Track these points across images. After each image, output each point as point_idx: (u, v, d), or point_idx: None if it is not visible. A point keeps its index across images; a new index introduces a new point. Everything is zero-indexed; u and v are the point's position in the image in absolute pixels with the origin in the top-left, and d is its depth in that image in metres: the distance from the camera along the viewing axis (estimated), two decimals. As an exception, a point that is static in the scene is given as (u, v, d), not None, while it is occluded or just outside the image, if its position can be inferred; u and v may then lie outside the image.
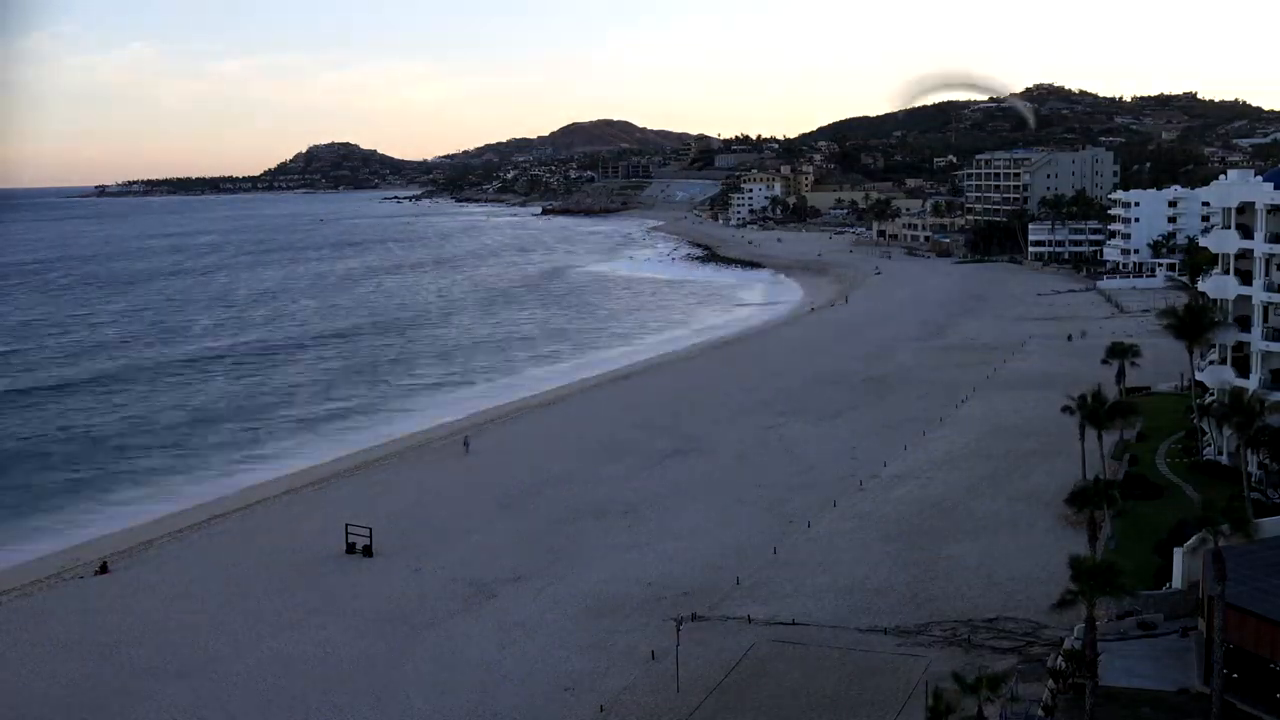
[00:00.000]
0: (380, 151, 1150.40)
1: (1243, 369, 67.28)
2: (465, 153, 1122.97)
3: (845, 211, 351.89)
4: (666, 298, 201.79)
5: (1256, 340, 65.95)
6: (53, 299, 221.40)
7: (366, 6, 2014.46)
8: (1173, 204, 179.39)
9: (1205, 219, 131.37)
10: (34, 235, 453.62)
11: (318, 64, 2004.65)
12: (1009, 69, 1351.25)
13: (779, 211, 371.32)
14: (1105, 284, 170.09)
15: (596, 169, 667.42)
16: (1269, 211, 64.88)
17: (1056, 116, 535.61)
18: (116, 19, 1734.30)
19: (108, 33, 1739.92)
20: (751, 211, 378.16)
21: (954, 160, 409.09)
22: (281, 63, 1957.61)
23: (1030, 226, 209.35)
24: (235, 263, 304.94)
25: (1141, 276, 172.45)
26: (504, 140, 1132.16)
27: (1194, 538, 45.02)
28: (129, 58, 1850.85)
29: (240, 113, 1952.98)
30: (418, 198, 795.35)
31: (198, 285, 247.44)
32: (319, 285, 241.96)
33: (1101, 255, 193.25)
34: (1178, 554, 46.01)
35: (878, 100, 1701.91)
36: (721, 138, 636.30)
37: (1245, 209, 67.12)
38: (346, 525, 65.36)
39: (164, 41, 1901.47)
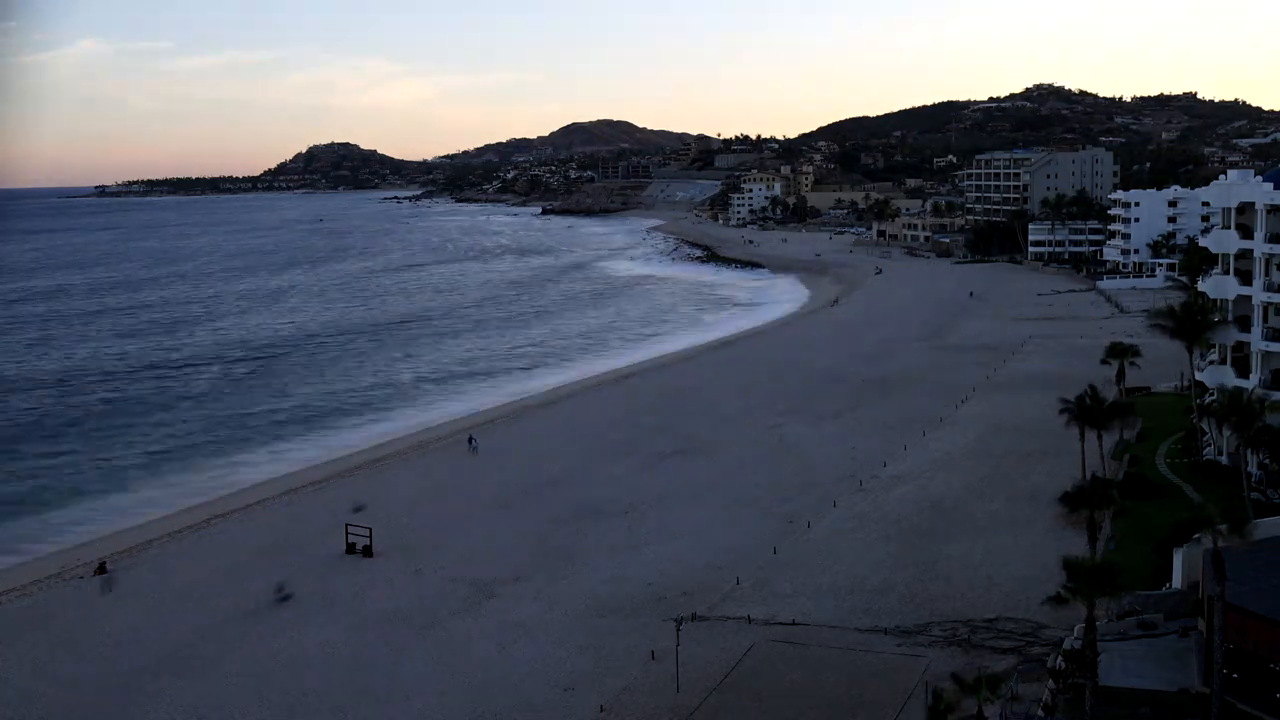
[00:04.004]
0: (380, 152, 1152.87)
1: (1243, 369, 67.25)
2: (465, 153, 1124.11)
3: (845, 212, 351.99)
4: (666, 298, 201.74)
5: (1256, 340, 65.91)
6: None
7: (365, 6, 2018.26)
8: (1173, 204, 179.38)
9: (1205, 219, 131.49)
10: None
11: (310, 64, 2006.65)
12: (1009, 69, 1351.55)
13: (779, 211, 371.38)
14: (1105, 284, 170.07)
15: (596, 169, 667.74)
16: (1269, 211, 64.86)
17: (1056, 116, 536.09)
18: (60, 16, 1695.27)
19: (53, 31, 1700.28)
20: (751, 211, 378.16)
21: (954, 160, 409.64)
22: (255, 61, 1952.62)
23: (1030, 226, 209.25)
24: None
25: (1141, 276, 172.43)
26: (504, 140, 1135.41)
27: (1193, 538, 44.99)
28: (82, 55, 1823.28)
29: (236, 113, 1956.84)
30: (417, 198, 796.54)
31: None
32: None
33: (1101, 255, 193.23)
34: (1177, 554, 45.95)
35: (878, 100, 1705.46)
36: (721, 138, 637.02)
37: (1245, 209, 67.09)
38: (346, 525, 65.39)
39: (117, 39, 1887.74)
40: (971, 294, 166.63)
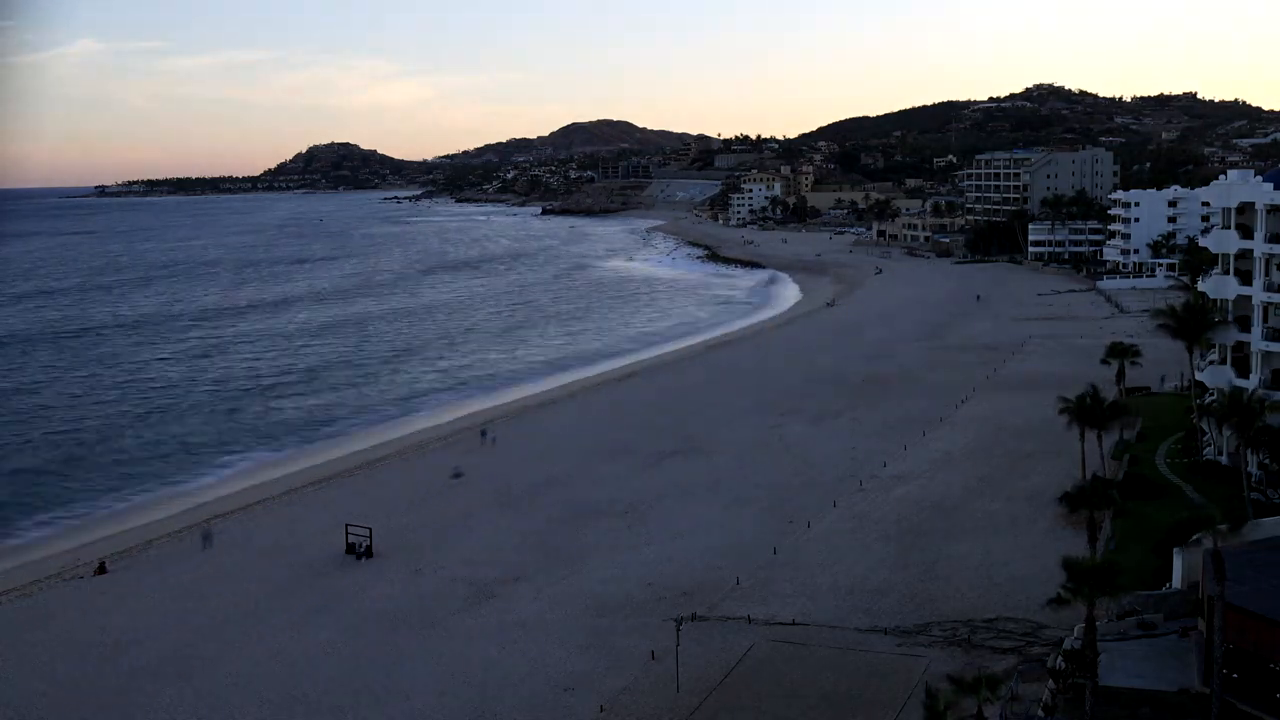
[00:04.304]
0: (380, 152, 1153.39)
1: (1243, 369, 67.23)
2: (465, 153, 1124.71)
3: (845, 212, 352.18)
4: (666, 297, 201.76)
5: (1256, 340, 65.90)
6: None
7: (365, 6, 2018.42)
8: (1173, 204, 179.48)
9: (1205, 219, 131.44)
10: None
11: (309, 64, 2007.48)
12: (1009, 69, 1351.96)
13: (779, 212, 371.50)
14: (1105, 284, 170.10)
15: (596, 169, 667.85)
16: (1269, 211, 64.86)
17: (1056, 116, 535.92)
18: (59, 16, 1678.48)
19: (51, 30, 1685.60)
20: (751, 212, 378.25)
21: (954, 160, 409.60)
22: (254, 61, 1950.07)
23: (1030, 226, 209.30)
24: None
25: (1141, 276, 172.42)
26: (504, 140, 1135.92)
27: (1193, 538, 45.00)
28: (80, 55, 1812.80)
29: (235, 113, 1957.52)
30: (417, 198, 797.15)
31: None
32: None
33: (1101, 255, 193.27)
34: (1177, 554, 45.94)
35: (878, 100, 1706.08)
36: (721, 138, 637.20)
37: (1245, 209, 67.08)
38: (346, 525, 65.34)
39: (115, 39, 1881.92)
40: (978, 298, 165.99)
